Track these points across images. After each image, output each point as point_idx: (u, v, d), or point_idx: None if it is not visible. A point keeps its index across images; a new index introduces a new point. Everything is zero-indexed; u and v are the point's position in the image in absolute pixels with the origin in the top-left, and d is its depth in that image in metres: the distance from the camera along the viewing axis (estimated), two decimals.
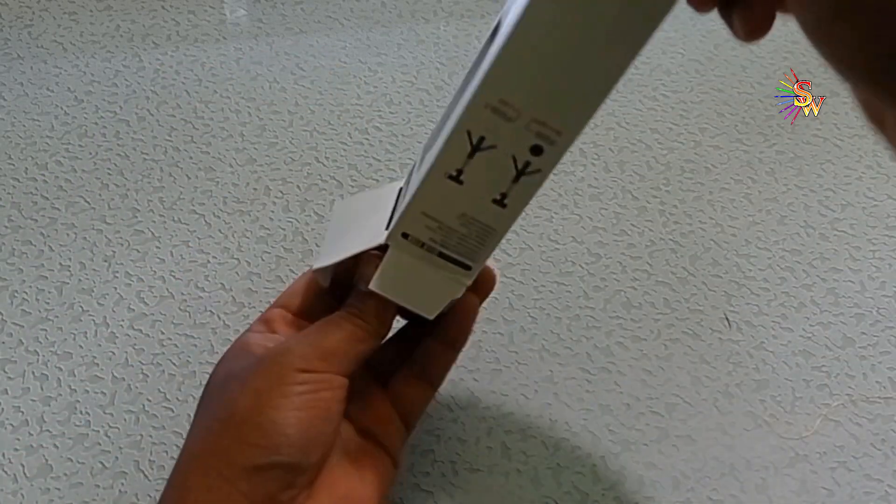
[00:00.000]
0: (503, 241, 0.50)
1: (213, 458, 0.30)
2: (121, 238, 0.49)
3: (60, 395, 0.42)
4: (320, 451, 0.32)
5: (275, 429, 0.30)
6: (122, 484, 0.39)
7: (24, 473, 0.39)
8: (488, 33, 0.30)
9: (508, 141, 0.29)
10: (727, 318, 0.46)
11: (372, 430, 0.35)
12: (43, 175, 0.53)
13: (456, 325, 0.37)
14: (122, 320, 0.45)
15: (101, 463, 0.39)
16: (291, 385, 0.31)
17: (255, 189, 0.52)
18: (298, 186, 0.53)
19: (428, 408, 0.39)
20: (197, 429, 0.33)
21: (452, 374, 0.42)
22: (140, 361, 0.43)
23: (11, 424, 0.40)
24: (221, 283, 0.47)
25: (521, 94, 0.28)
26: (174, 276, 0.47)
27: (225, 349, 0.44)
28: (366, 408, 0.36)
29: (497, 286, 0.38)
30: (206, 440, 0.31)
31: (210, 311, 0.45)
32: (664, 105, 0.60)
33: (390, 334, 0.36)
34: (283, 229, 0.50)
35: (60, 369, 0.43)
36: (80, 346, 0.44)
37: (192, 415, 0.41)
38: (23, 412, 0.41)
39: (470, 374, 0.43)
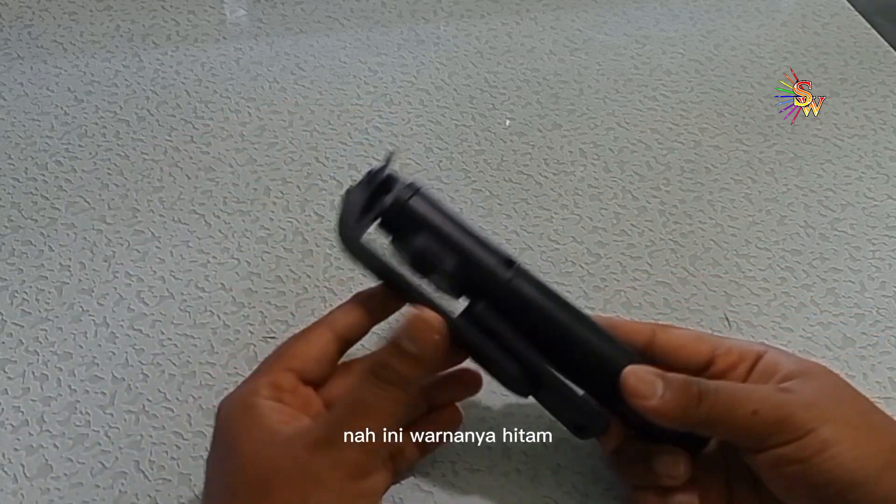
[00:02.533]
0: (504, 241, 0.50)
1: None
2: (121, 238, 0.49)
3: (60, 395, 0.42)
4: None
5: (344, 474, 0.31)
6: (122, 484, 0.39)
7: (24, 473, 0.39)
8: None
9: None
10: (727, 318, 0.46)
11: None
12: (43, 175, 0.53)
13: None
14: (122, 320, 0.45)
15: (101, 463, 0.39)
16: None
17: (255, 189, 0.52)
18: (298, 186, 0.52)
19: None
20: None
21: None
22: (140, 361, 0.43)
23: (11, 424, 0.40)
24: (221, 283, 0.47)
25: None
26: (174, 276, 0.47)
27: (224, 350, 0.44)
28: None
29: None
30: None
31: (210, 311, 0.45)
32: (664, 105, 0.60)
33: None
34: (283, 229, 0.50)
35: (60, 369, 0.43)
36: (80, 346, 0.44)
37: (191, 415, 0.41)
38: (23, 412, 0.41)
39: None
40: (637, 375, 0.33)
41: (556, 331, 0.35)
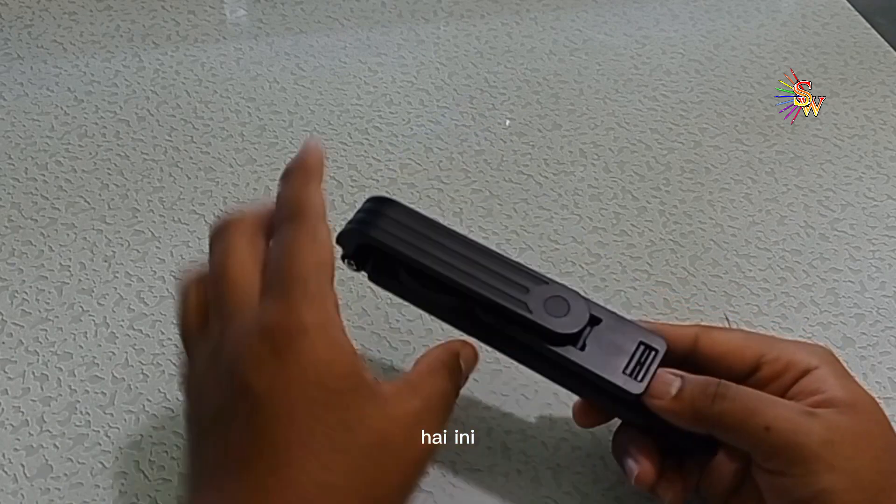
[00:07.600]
0: (504, 241, 0.50)
1: (365, 488, 0.29)
2: (121, 238, 0.49)
3: (60, 395, 0.42)
4: None
5: (427, 455, 0.31)
6: (122, 484, 0.39)
7: (24, 473, 0.39)
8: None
9: None
10: (727, 318, 0.46)
11: None
12: (43, 175, 0.53)
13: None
14: (122, 320, 0.45)
15: (101, 463, 0.39)
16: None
17: (255, 189, 0.52)
18: None
19: None
20: (333, 454, 0.29)
21: None
22: (140, 361, 0.43)
23: (11, 424, 0.40)
24: None
25: None
26: (174, 276, 0.47)
27: None
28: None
29: None
30: (357, 469, 0.29)
31: None
32: (664, 105, 0.60)
33: None
34: None
35: (60, 369, 0.43)
36: (80, 346, 0.44)
37: None
38: (23, 412, 0.41)
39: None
40: (657, 378, 0.34)
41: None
